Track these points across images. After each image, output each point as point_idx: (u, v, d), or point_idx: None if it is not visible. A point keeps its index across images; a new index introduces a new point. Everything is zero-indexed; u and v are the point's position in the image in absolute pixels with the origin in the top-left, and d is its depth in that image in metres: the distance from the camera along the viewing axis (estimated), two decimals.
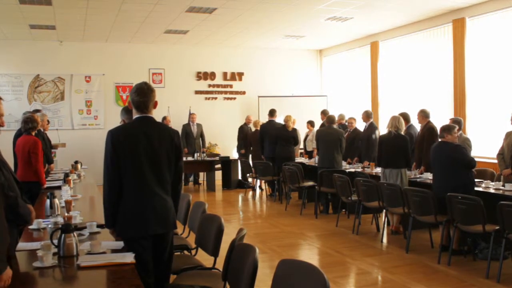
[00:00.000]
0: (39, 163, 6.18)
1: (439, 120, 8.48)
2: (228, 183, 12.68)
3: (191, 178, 13.87)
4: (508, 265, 5.55)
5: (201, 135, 13.43)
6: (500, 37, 9.45)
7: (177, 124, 12.88)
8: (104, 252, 3.19)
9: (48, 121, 8.96)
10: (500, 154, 7.02)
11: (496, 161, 7.29)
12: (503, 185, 6.24)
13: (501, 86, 9.46)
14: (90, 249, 3.20)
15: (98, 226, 3.86)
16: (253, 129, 12.66)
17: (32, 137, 6.29)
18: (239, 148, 13.11)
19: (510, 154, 6.76)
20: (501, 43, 9.44)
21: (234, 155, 14.02)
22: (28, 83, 12.91)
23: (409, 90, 11.84)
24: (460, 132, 7.60)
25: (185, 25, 11.52)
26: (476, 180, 6.38)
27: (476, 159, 6.38)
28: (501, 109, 9.14)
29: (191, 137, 13.01)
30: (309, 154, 11.66)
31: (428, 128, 7.83)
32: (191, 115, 13.28)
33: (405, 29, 11.79)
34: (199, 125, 13.37)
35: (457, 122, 7.55)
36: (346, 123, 10.50)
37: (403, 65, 12.07)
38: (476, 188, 6.15)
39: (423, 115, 8.00)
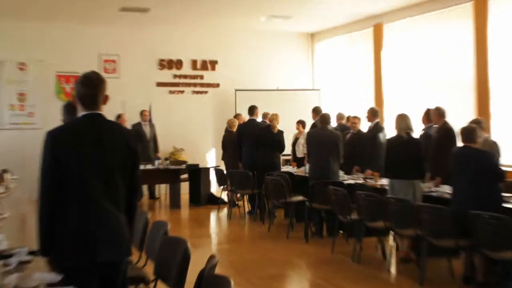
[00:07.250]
0: None
1: (456, 121, 8.44)
2: (197, 198, 12.57)
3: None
4: None
5: (154, 138, 13.27)
6: None
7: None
8: (37, 287, 3.14)
9: None
10: None
11: None
12: None
13: None
14: (18, 283, 3.15)
15: (30, 253, 3.80)
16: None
17: None
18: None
19: None
20: None
21: (206, 162, 13.98)
22: None
23: (420, 84, 11.93)
24: (486, 135, 7.63)
25: (145, 1, 11.43)
26: (504, 194, 6.37)
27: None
28: None
29: (143, 139, 12.77)
30: (299, 162, 11.61)
31: (445, 129, 7.86)
32: (142, 112, 13.12)
33: (416, 9, 11.87)
34: (152, 125, 13.25)
35: (477, 124, 7.56)
36: (346, 123, 10.45)
37: (413, 52, 12.16)
38: (504, 205, 6.15)
39: (439, 113, 8.02)
